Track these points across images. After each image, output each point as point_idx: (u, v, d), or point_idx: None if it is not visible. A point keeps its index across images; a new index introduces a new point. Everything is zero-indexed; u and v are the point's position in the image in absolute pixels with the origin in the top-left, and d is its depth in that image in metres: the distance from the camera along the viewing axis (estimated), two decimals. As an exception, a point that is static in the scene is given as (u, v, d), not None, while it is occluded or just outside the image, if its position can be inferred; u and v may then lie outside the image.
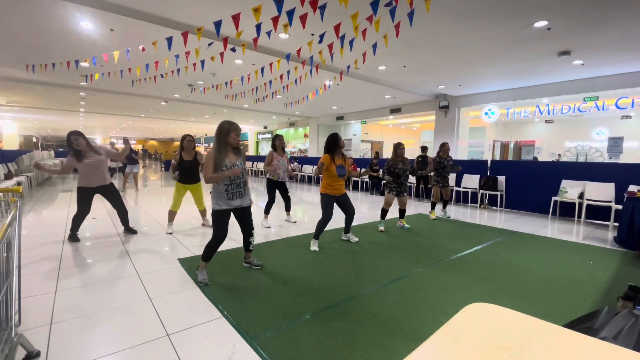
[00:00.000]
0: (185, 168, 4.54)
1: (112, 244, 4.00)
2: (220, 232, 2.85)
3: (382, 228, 4.94)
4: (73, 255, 3.56)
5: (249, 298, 2.58)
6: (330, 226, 5.16)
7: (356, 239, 4.29)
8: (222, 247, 3.92)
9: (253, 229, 3.10)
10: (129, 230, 4.49)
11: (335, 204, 4.00)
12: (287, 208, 5.40)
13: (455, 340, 0.59)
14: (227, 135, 2.79)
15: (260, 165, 15.73)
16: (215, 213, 2.85)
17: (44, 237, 4.22)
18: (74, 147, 3.93)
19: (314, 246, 3.92)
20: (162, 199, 7.68)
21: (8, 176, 7.56)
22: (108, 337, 2.03)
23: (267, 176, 5.13)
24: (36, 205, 6.53)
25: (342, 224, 4.35)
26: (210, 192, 2.91)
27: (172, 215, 4.65)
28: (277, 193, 5.15)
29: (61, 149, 21.36)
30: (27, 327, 2.08)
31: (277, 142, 5.06)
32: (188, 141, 4.54)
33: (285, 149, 5.09)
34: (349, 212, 4.12)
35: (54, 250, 3.67)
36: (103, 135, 34.15)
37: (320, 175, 3.98)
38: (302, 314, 2.33)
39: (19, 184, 6.92)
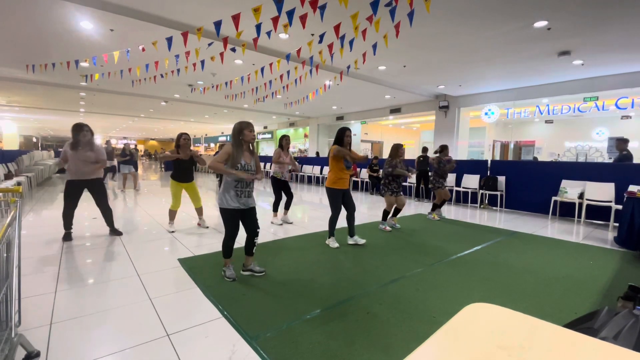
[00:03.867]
0: (181, 167, 4.56)
1: (112, 244, 3.99)
2: (231, 229, 2.91)
3: (388, 228, 5.02)
4: (73, 255, 3.56)
5: (249, 298, 2.58)
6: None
7: (363, 241, 4.17)
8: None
9: (259, 228, 3.04)
10: (114, 232, 4.35)
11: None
12: (287, 205, 5.43)
13: (455, 341, 0.59)
14: (240, 134, 2.86)
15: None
16: (223, 211, 2.88)
17: (44, 237, 4.21)
18: (80, 137, 3.95)
19: (334, 244, 4.01)
20: (162, 199, 7.67)
21: (8, 176, 7.55)
22: (108, 337, 2.03)
23: (271, 175, 5.30)
24: (36, 205, 6.52)
25: (344, 224, 4.27)
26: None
27: (172, 214, 4.67)
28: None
29: (61, 149, 21.34)
30: (27, 327, 2.08)
31: (284, 142, 5.21)
32: (184, 139, 4.51)
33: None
34: (351, 207, 4.08)
35: (54, 250, 3.67)
36: (103, 135, 34.15)
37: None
38: (302, 314, 2.33)
39: (19, 184, 6.92)
